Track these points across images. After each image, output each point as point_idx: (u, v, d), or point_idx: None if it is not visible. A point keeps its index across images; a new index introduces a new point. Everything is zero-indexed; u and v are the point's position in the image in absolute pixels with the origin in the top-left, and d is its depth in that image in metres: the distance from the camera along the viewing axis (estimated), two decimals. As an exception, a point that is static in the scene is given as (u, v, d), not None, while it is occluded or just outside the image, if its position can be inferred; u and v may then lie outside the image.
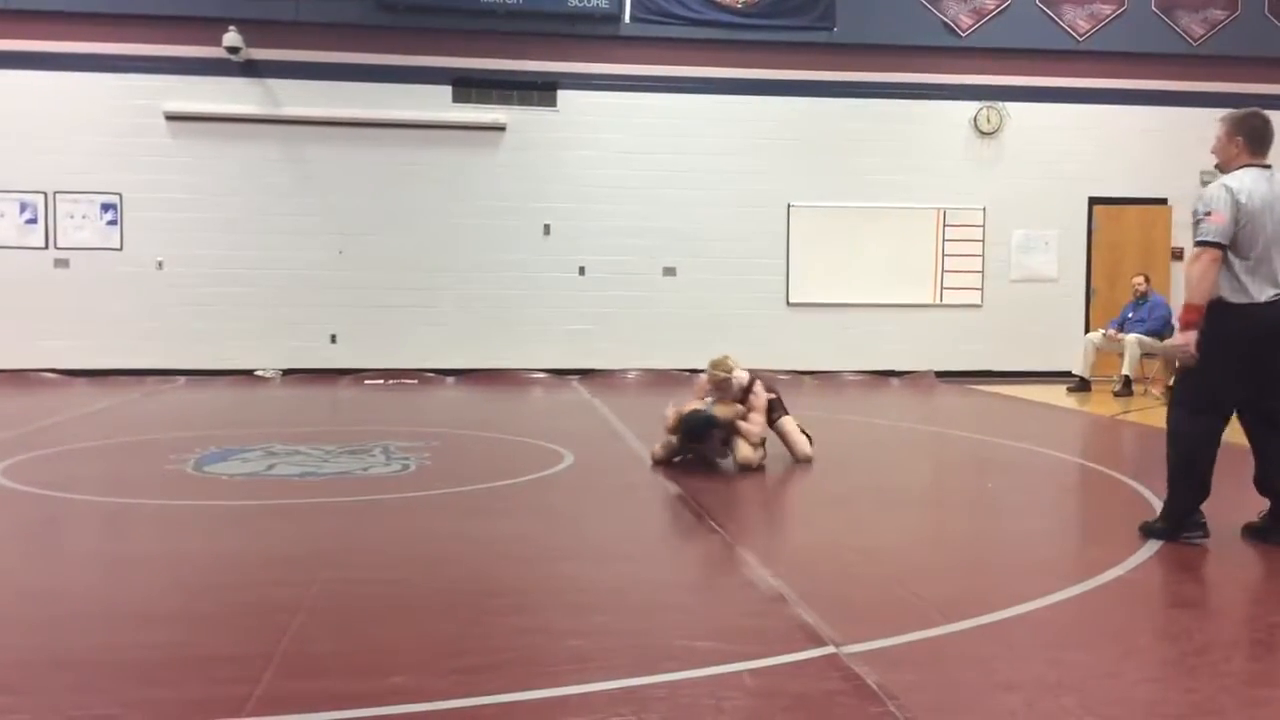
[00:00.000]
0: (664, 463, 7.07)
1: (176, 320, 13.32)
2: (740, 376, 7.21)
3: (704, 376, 7.33)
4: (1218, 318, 4.91)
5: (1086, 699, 3.16)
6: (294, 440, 8.15)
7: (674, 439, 7.09)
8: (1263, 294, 4.89)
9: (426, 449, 7.82)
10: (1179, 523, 5.08)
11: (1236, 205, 4.90)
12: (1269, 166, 5.08)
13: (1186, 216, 16.21)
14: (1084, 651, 3.58)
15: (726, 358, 7.25)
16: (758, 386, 7.23)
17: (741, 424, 7.04)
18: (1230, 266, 4.91)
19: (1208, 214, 4.91)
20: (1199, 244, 4.93)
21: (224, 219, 13.41)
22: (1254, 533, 5.20)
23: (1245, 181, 4.97)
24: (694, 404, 7.18)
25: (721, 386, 7.13)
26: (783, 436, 7.26)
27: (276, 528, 5.44)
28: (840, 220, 14.13)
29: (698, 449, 7.10)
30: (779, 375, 13.24)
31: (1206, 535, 5.04)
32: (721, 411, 7.02)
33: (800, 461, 7.14)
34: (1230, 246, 4.89)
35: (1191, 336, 4.91)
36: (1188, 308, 4.93)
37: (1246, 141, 5.09)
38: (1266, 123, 5.14)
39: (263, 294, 13.49)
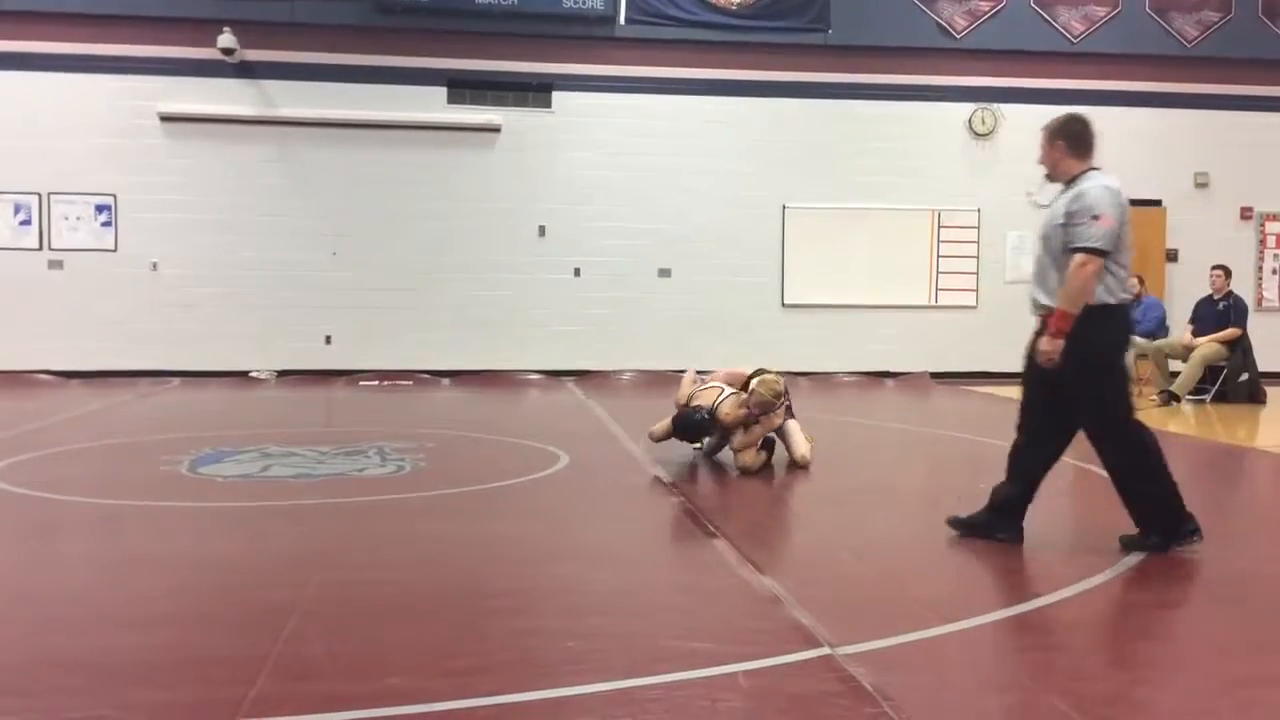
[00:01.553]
0: (660, 440, 7.23)
1: (171, 321, 13.30)
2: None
3: (724, 373, 7.33)
4: (1107, 322, 4.83)
5: (1080, 700, 3.16)
6: (289, 442, 8.14)
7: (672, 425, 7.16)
8: (1124, 293, 4.90)
9: (421, 450, 7.82)
10: (1170, 530, 4.91)
11: (1121, 207, 4.81)
12: (1100, 169, 5.02)
13: (1181, 218, 16.27)
14: (1079, 653, 3.59)
15: (779, 380, 7.03)
16: (781, 410, 7.10)
17: (740, 435, 6.95)
18: (1108, 269, 4.80)
19: (1096, 218, 4.72)
20: (1088, 250, 4.70)
21: (219, 220, 13.40)
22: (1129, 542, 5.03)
23: (1115, 184, 4.90)
24: (709, 390, 7.13)
25: (763, 408, 6.93)
26: (785, 438, 7.20)
27: (271, 529, 5.44)
28: (835, 222, 14.15)
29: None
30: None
31: (1201, 536, 4.94)
32: (727, 414, 6.94)
33: (797, 465, 7.08)
34: (1114, 254, 4.82)
35: (1059, 345, 4.75)
36: (1063, 316, 4.74)
37: (1068, 146, 4.98)
38: (1086, 126, 5.05)
39: (257, 295, 13.47)
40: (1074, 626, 3.93)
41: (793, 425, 7.27)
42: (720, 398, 7.03)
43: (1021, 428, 5.18)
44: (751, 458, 6.90)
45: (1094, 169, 4.94)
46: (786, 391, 7.25)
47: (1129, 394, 5.01)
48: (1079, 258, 4.70)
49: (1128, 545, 4.91)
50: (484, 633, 3.77)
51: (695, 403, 7.09)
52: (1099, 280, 4.74)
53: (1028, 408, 5.17)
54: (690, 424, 6.97)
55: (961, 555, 5.02)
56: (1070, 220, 4.77)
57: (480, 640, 3.69)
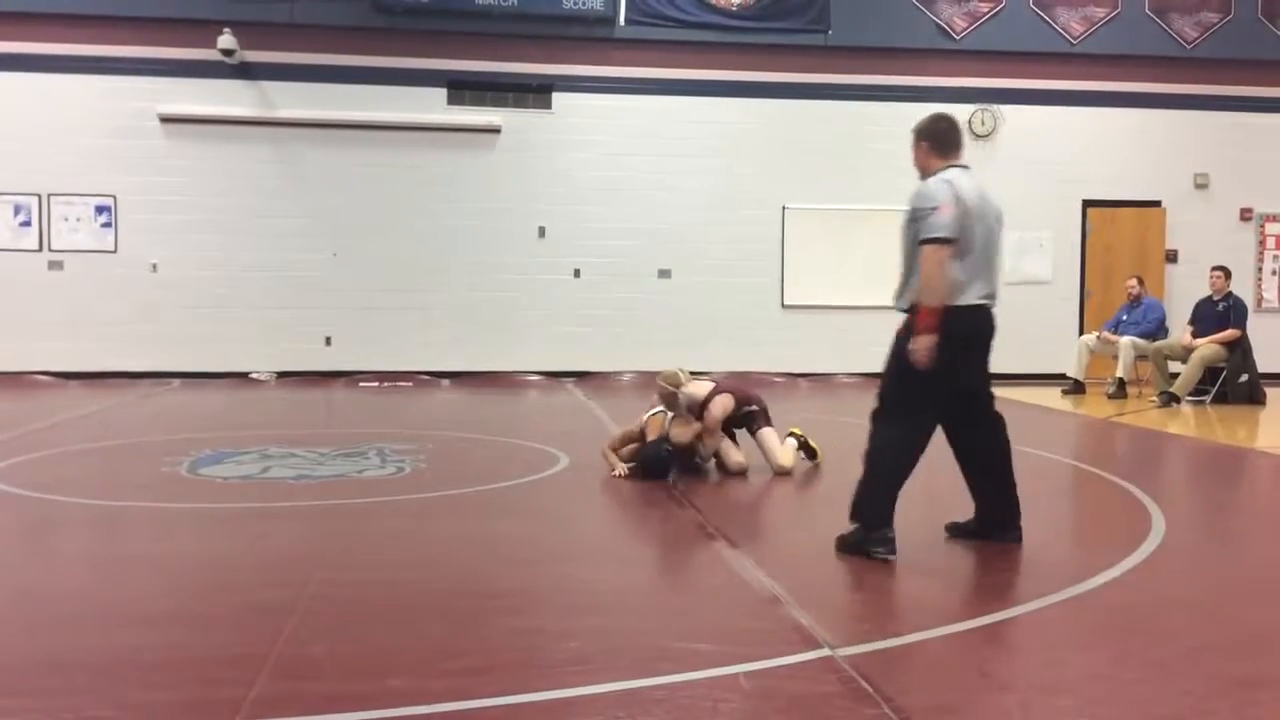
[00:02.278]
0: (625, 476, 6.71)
1: (171, 322, 13.31)
2: (691, 392, 6.89)
3: (656, 396, 7.15)
4: (945, 324, 4.71)
5: (1081, 700, 3.17)
6: (289, 443, 8.14)
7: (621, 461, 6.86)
8: (972, 297, 4.75)
9: (421, 451, 7.82)
10: (869, 529, 4.77)
11: (958, 199, 4.72)
12: (964, 166, 4.97)
13: (1181, 219, 16.27)
14: (1078, 652, 3.58)
15: (677, 372, 6.98)
16: (715, 401, 6.85)
17: (707, 442, 6.89)
18: (951, 269, 4.72)
19: (934, 208, 4.68)
20: (929, 241, 4.65)
21: (218, 221, 13.41)
22: (957, 530, 5.21)
23: (958, 178, 4.83)
24: (655, 418, 6.92)
25: (669, 401, 6.89)
26: (762, 448, 7.02)
27: (271, 530, 5.44)
28: (835, 222, 14.14)
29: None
30: (774, 378, 13.33)
31: (893, 554, 4.69)
32: (678, 434, 6.80)
33: (778, 474, 6.89)
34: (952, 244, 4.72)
35: (928, 342, 4.62)
36: (926, 311, 4.65)
37: (930, 146, 4.97)
38: (952, 126, 5.05)
39: (257, 296, 13.48)
40: (1075, 626, 3.93)
41: (769, 435, 7.07)
42: (667, 421, 6.88)
43: (947, 436, 5.08)
44: (737, 455, 6.92)
45: (954, 167, 4.90)
46: (759, 399, 7.15)
47: (912, 398, 4.78)
48: (925, 249, 4.68)
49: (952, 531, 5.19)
50: (485, 633, 3.77)
51: (650, 436, 6.81)
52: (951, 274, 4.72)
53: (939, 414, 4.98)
54: (657, 461, 6.64)
55: (962, 556, 5.02)
56: (913, 216, 4.80)
57: (481, 641, 3.69)
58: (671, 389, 6.89)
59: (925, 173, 4.94)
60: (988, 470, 5.07)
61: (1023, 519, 5.12)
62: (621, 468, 6.73)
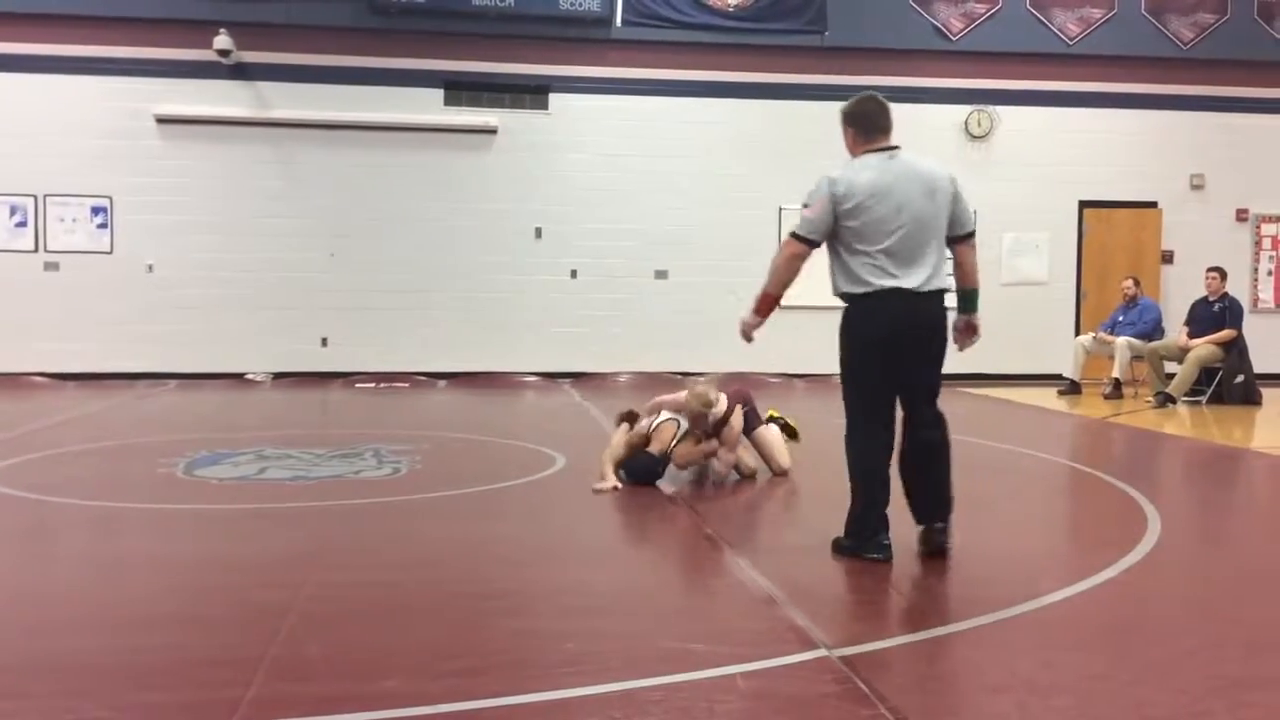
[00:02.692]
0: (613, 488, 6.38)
1: (167, 323, 13.29)
2: (717, 411, 6.59)
3: (669, 398, 6.85)
4: (851, 315, 4.75)
5: (1078, 700, 3.17)
6: (285, 444, 8.14)
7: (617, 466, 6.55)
8: (880, 283, 4.59)
9: (418, 452, 7.81)
10: (859, 539, 4.73)
11: (834, 198, 4.60)
12: (893, 148, 4.77)
13: (1177, 220, 16.28)
14: (1075, 653, 3.59)
15: (709, 389, 6.59)
16: (735, 415, 6.64)
17: (713, 463, 6.67)
18: (846, 260, 4.68)
19: (806, 206, 4.70)
20: (791, 235, 4.78)
21: (214, 222, 13.39)
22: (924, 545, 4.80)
23: (853, 171, 4.67)
24: (666, 425, 6.61)
25: (697, 420, 6.57)
26: (760, 448, 6.90)
27: (268, 531, 5.43)
28: (831, 223, 14.12)
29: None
30: (770, 379, 13.33)
31: (887, 558, 4.63)
32: (683, 454, 6.56)
33: (777, 474, 6.83)
34: (853, 239, 4.62)
35: (754, 322, 4.92)
36: (763, 296, 4.88)
37: (855, 131, 4.82)
38: (877, 108, 4.84)
39: (253, 297, 13.47)
40: (1071, 626, 3.94)
41: (766, 433, 6.93)
42: (676, 436, 6.58)
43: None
44: (750, 460, 6.81)
45: (877, 151, 4.73)
46: (750, 399, 6.92)
47: (863, 396, 4.72)
48: (784, 240, 4.88)
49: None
50: (481, 634, 3.77)
51: (653, 445, 6.54)
52: (797, 271, 4.80)
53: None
54: (646, 472, 6.46)
55: (957, 556, 5.02)
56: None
57: (478, 642, 3.69)
58: (704, 410, 6.50)
59: (853, 156, 4.80)
60: (923, 465, 4.78)
61: (1017, 520, 5.10)
62: (612, 481, 6.35)
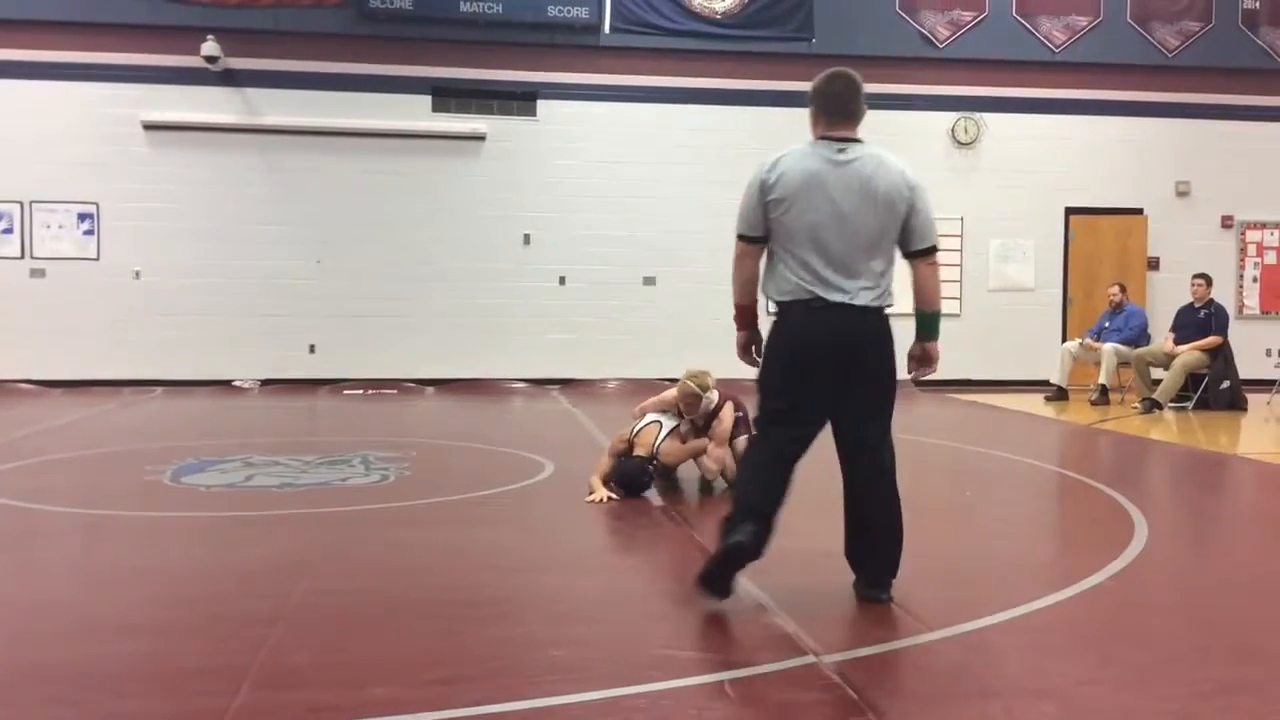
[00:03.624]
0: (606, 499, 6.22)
1: (154, 330, 13.25)
2: (711, 398, 6.40)
3: (654, 400, 6.76)
4: (775, 324, 4.19)
5: (1065, 706, 3.18)
6: (272, 451, 8.11)
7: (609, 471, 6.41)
8: (793, 293, 4.07)
9: (406, 459, 7.80)
10: (724, 534, 4.11)
11: (762, 187, 4.09)
12: (853, 140, 4.19)
13: (1162, 227, 16.37)
14: (1063, 659, 3.59)
15: (706, 373, 6.47)
16: (726, 410, 6.47)
17: (702, 460, 6.49)
18: (774, 260, 4.14)
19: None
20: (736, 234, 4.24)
21: (202, 229, 13.36)
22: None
23: (792, 159, 4.13)
24: (648, 428, 6.53)
25: (690, 405, 6.42)
26: (738, 458, 6.58)
27: (254, 539, 5.41)
28: (819, 230, 14.15)
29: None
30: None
31: (734, 546, 3.98)
32: (669, 452, 6.47)
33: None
34: (783, 236, 4.08)
35: (740, 339, 4.34)
36: (734, 308, 4.32)
37: (817, 109, 4.26)
38: (847, 88, 4.27)
39: (241, 304, 13.44)
40: (1059, 631, 3.94)
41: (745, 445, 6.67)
42: (660, 436, 6.47)
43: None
44: (732, 463, 6.61)
45: (827, 139, 4.17)
46: (743, 406, 6.63)
47: (765, 406, 4.20)
48: None
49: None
50: (468, 642, 3.76)
51: (637, 450, 6.44)
52: (755, 269, 4.21)
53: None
54: (631, 479, 6.28)
55: (946, 562, 5.03)
56: None
57: (465, 649, 3.68)
58: (699, 391, 6.34)
59: (812, 139, 4.25)
60: (863, 512, 4.24)
61: (1005, 526, 5.10)
62: (603, 493, 6.21)
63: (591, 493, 6.27)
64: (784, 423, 4.12)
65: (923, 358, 4.41)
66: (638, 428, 6.59)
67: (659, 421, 6.59)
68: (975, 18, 14.45)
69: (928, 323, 4.37)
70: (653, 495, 6.37)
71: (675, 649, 3.65)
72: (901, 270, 4.26)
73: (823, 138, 4.18)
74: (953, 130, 14.58)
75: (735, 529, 4.00)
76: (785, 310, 4.12)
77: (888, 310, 4.15)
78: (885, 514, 4.19)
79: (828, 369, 4.05)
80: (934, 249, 4.22)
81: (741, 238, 4.21)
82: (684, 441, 6.56)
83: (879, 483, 4.18)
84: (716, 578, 4.05)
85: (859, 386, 4.10)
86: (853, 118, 4.23)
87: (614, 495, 6.23)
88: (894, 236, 4.12)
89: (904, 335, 4.25)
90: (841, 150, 4.11)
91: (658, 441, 6.50)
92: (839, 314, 4.02)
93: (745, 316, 4.32)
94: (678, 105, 14.05)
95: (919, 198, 4.14)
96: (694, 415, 6.51)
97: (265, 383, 13.47)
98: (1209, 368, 12.01)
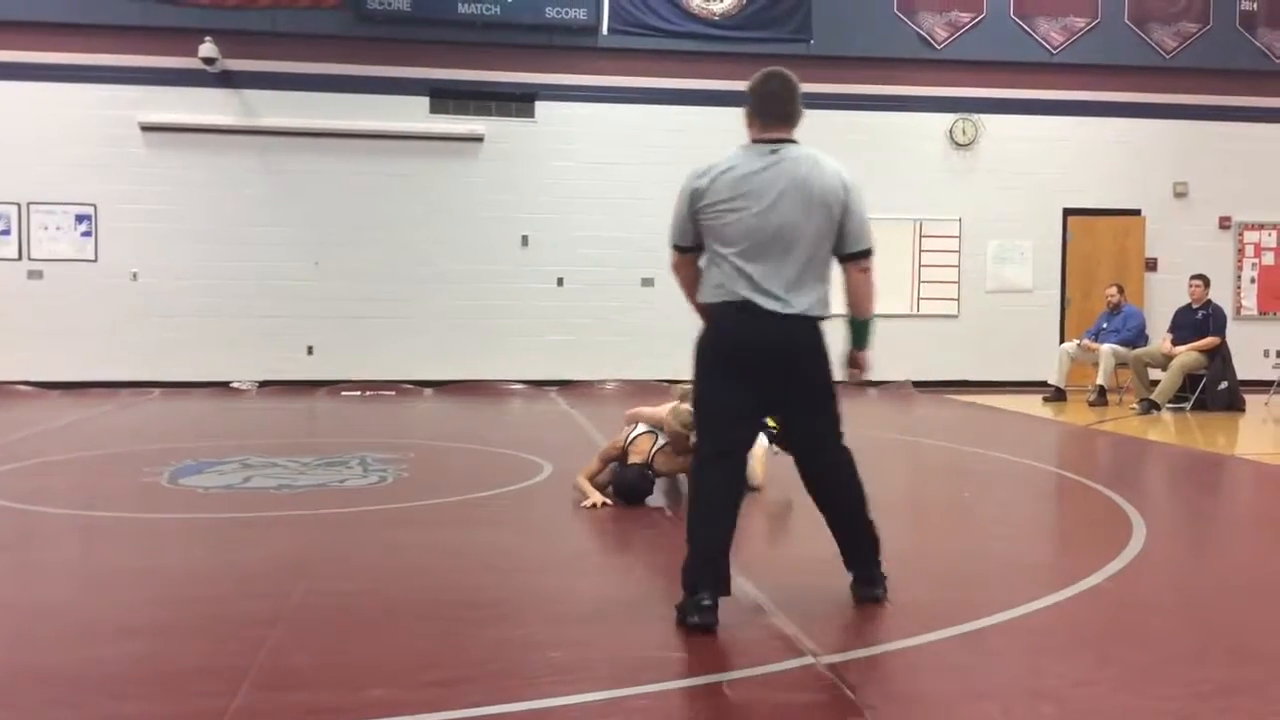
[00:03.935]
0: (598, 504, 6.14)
1: (151, 332, 13.24)
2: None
3: (647, 411, 6.66)
4: (706, 325, 4.10)
5: (1063, 707, 3.18)
6: (270, 452, 8.11)
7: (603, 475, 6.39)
8: (722, 294, 3.96)
9: (404, 460, 7.80)
10: (685, 593, 3.91)
11: (692, 194, 3.99)
12: (780, 141, 4.06)
13: (1160, 228, 16.37)
14: (1061, 660, 3.60)
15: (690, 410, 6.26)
16: None
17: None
18: (707, 262, 4.04)
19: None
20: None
21: (200, 230, 13.36)
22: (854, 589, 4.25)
23: (718, 165, 4.03)
24: (642, 438, 6.42)
25: (678, 442, 6.28)
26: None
27: (252, 540, 5.41)
28: (817, 231, 14.16)
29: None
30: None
31: (704, 624, 3.79)
32: (663, 464, 6.39)
33: (751, 490, 6.33)
34: (714, 239, 3.97)
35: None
36: (695, 308, 4.21)
37: (751, 111, 4.18)
38: (783, 88, 4.16)
39: (239, 305, 13.43)
40: (1057, 633, 3.95)
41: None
42: (655, 445, 6.40)
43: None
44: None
45: (762, 142, 4.07)
46: None
47: (712, 420, 4.07)
48: None
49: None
50: (467, 643, 3.76)
51: (632, 458, 6.37)
52: (696, 278, 4.12)
53: None
54: (631, 487, 6.19)
55: (944, 563, 5.03)
56: None
57: (463, 651, 3.68)
58: (685, 432, 6.11)
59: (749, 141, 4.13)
60: (828, 511, 4.27)
61: (1003, 526, 5.10)
62: (597, 497, 6.15)
63: (585, 498, 6.20)
64: (722, 426, 4.03)
65: (851, 365, 4.32)
66: (632, 435, 6.51)
67: (655, 433, 6.49)
68: (973, 19, 14.45)
69: (861, 331, 4.27)
70: (651, 497, 6.37)
71: (674, 650, 3.66)
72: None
73: (756, 140, 4.08)
74: (951, 131, 14.59)
75: (694, 606, 3.83)
76: (717, 313, 4.01)
77: (824, 320, 4.03)
78: (848, 500, 4.19)
79: (760, 374, 3.95)
80: (869, 253, 4.09)
81: (675, 247, 4.15)
82: (678, 454, 6.42)
83: (836, 471, 4.18)
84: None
85: (795, 393, 4.05)
86: (788, 119, 4.12)
87: (609, 501, 6.19)
88: (830, 241, 3.99)
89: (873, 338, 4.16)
90: (774, 152, 4.01)
91: (653, 451, 6.42)
92: (772, 322, 3.91)
93: (703, 314, 4.18)
94: (676, 106, 14.03)
95: (854, 199, 4.02)
96: (681, 448, 6.29)
97: (263, 384, 13.46)
98: (1207, 368, 12.02)
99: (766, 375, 3.95)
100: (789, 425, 4.24)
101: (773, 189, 3.92)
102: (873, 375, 4.41)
